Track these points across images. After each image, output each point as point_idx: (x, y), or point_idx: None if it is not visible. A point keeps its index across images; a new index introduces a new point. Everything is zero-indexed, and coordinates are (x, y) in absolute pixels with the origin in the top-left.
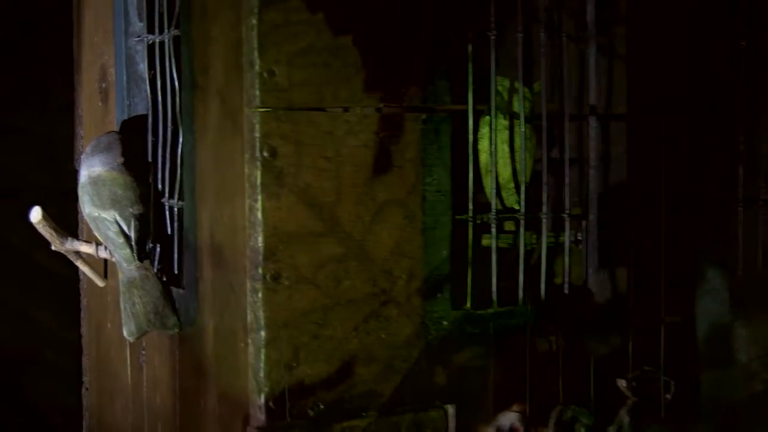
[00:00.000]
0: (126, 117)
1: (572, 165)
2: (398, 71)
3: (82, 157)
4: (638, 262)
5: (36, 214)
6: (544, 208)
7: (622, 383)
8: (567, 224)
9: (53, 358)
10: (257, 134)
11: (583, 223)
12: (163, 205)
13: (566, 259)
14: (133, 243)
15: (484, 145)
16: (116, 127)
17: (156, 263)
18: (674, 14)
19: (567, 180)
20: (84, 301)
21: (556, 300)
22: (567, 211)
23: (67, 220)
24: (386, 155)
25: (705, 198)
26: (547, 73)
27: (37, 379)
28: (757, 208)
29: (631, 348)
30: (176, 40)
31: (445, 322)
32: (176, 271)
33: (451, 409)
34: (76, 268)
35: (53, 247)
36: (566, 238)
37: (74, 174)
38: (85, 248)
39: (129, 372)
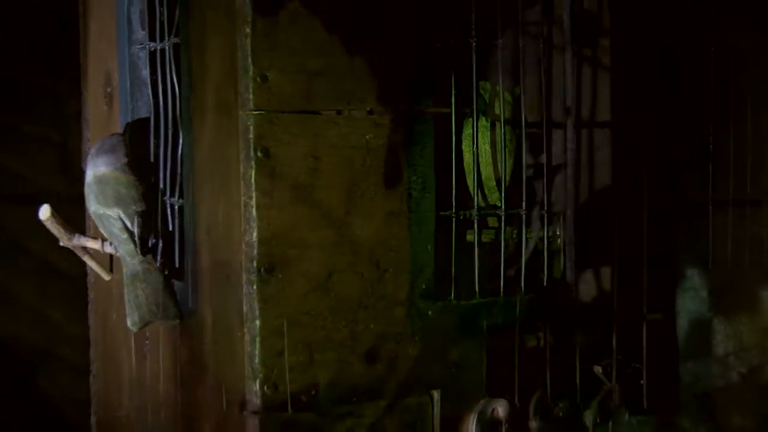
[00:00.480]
0: (129, 120)
1: (559, 167)
2: (385, 76)
3: (88, 158)
4: (621, 262)
5: (45, 212)
6: (524, 205)
7: (597, 369)
8: (545, 220)
9: (65, 354)
10: (251, 135)
11: (561, 219)
12: (164, 202)
13: (545, 253)
14: (136, 238)
15: (467, 145)
16: (120, 130)
17: (158, 257)
18: (653, 24)
19: (545, 179)
20: (91, 294)
21: (540, 293)
22: (545, 209)
23: (81, 223)
24: (373, 156)
25: (685, 200)
26: (523, 80)
27: (51, 373)
28: (726, 208)
29: (614, 341)
30: (176, 48)
31: (430, 313)
32: (177, 265)
33: (436, 395)
34: (87, 269)
35: (61, 243)
36: (545, 233)
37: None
38: (91, 244)
39: (133, 360)
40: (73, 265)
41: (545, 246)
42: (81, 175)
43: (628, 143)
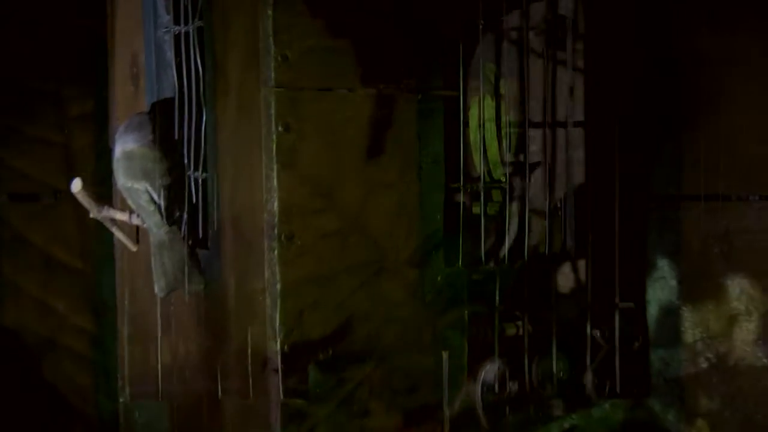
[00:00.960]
0: (155, 99)
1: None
2: (397, 58)
3: (116, 135)
4: (596, 254)
5: (77, 185)
6: (528, 178)
7: (596, 333)
8: (547, 194)
9: (69, 343)
10: (272, 111)
11: (563, 194)
12: (189, 176)
13: (546, 223)
14: (162, 210)
15: (473, 123)
16: (146, 108)
17: (183, 228)
18: (626, 29)
19: (547, 158)
20: (118, 264)
21: (537, 262)
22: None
23: (84, 218)
24: (387, 131)
25: (656, 195)
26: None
27: (54, 362)
28: (696, 202)
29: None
30: (200, 31)
31: (439, 278)
32: (201, 235)
33: (445, 355)
34: (89, 262)
35: (91, 215)
36: (546, 206)
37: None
38: (120, 216)
39: (159, 324)
40: (75, 258)
41: (547, 216)
42: (84, 173)
43: (600, 142)
